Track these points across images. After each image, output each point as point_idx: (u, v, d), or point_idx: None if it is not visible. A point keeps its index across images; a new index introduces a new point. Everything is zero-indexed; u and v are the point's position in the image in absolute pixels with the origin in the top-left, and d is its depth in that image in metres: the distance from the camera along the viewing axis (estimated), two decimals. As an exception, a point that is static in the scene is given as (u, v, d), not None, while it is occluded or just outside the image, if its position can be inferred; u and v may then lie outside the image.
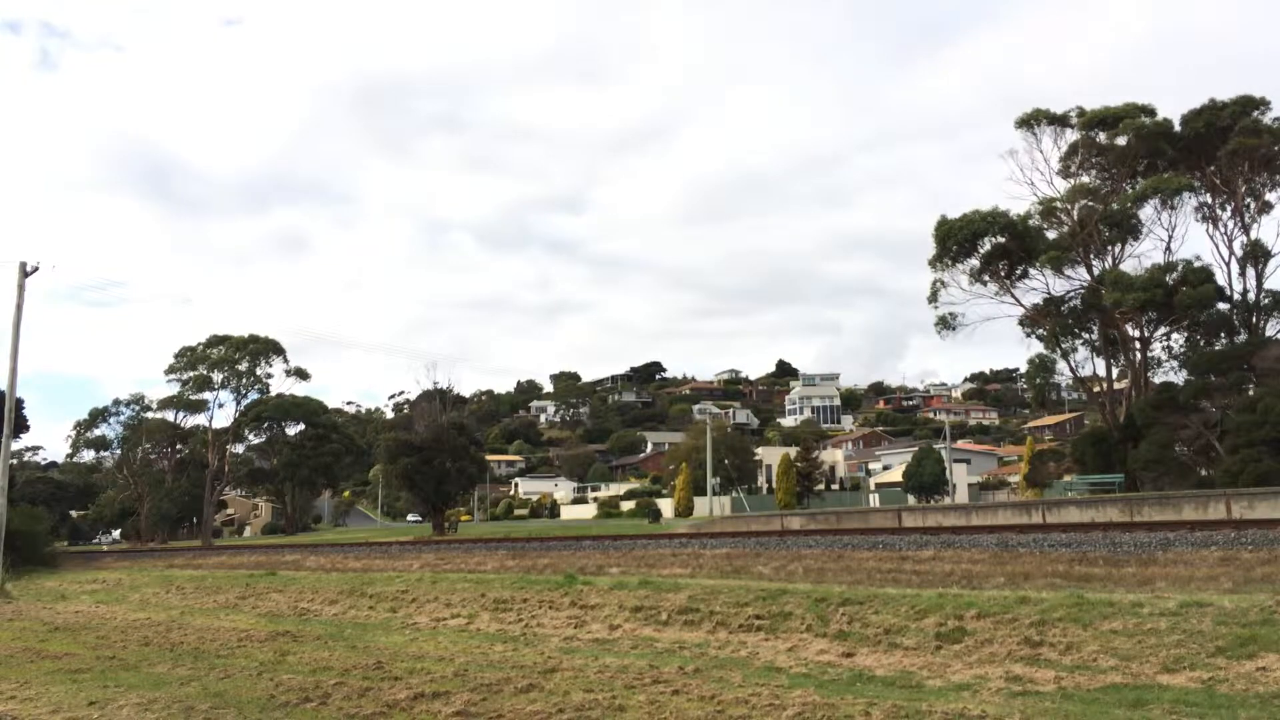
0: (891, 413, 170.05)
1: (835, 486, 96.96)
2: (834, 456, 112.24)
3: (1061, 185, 51.52)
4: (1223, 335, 47.54)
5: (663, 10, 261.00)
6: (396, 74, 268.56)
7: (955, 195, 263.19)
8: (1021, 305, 52.13)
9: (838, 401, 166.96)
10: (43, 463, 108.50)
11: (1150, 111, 49.42)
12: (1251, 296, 46.98)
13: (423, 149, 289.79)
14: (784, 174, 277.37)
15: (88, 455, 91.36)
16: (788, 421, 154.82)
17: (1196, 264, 46.31)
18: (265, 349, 78.82)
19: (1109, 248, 50.13)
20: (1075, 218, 49.69)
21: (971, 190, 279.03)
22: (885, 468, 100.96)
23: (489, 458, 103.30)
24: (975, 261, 51.25)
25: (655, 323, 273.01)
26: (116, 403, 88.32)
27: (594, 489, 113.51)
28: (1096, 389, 54.60)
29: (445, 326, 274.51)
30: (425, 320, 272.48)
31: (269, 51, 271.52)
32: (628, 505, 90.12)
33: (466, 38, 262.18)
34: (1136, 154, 49.59)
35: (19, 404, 49.42)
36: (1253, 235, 47.41)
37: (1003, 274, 51.31)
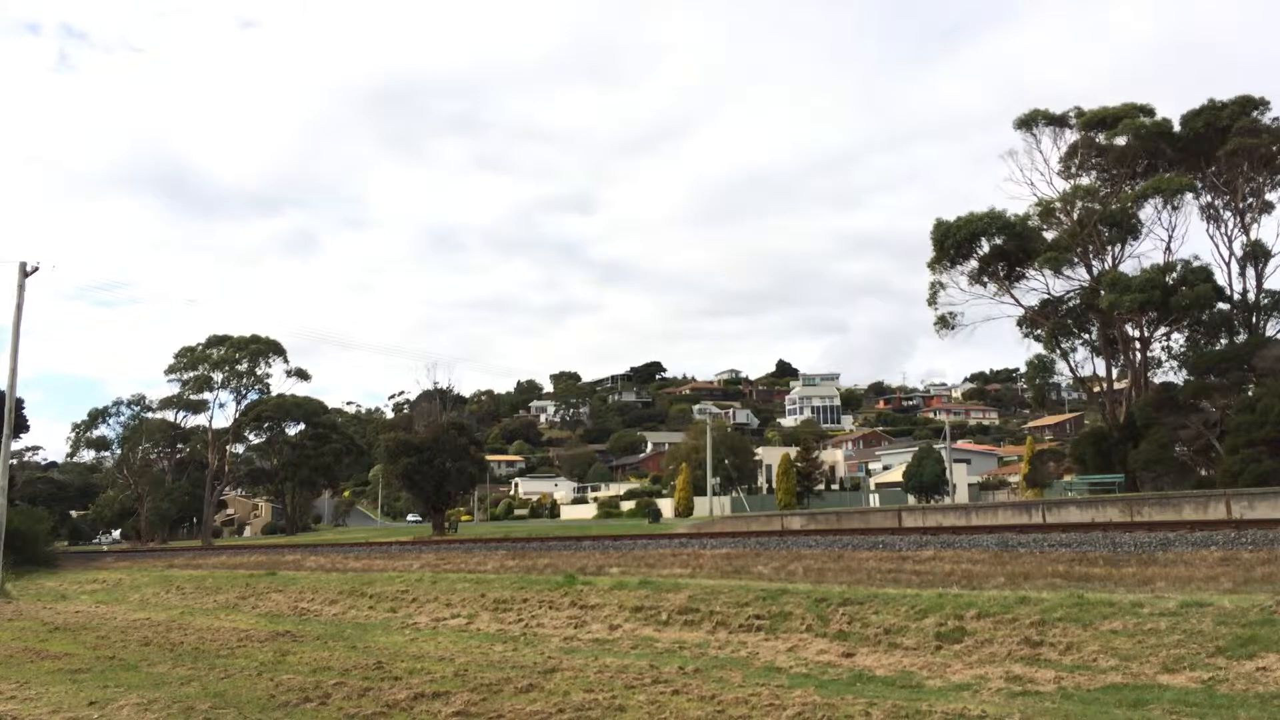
0: (891, 413, 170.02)
1: (835, 486, 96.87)
2: (834, 456, 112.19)
3: (1061, 186, 51.57)
4: (1223, 335, 47.52)
5: (677, 11, 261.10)
6: (410, 75, 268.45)
7: (967, 196, 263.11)
8: (1021, 306, 52.22)
9: (838, 401, 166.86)
10: (43, 463, 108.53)
11: (1149, 111, 49.42)
12: (1251, 296, 46.99)
13: (434, 150, 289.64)
14: (795, 175, 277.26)
15: (88, 455, 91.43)
16: (788, 421, 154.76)
17: (1195, 264, 46.31)
18: (265, 349, 78.86)
19: (1108, 248, 50.12)
20: (1075, 218, 49.68)
21: (983, 191, 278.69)
22: (885, 468, 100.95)
23: (489, 458, 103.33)
24: (974, 263, 51.29)
25: (659, 323, 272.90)
26: (117, 403, 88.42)
27: (594, 489, 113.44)
28: (1096, 389, 54.58)
29: (451, 327, 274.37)
30: (431, 320, 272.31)
31: (284, 54, 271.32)
32: (628, 505, 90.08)
33: (480, 39, 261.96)
34: (1136, 154, 49.58)
35: (19, 404, 49.45)
36: (1253, 235, 47.45)
37: (1001, 275, 51.29)
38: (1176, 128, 48.62)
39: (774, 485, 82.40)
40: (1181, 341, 49.37)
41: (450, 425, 56.00)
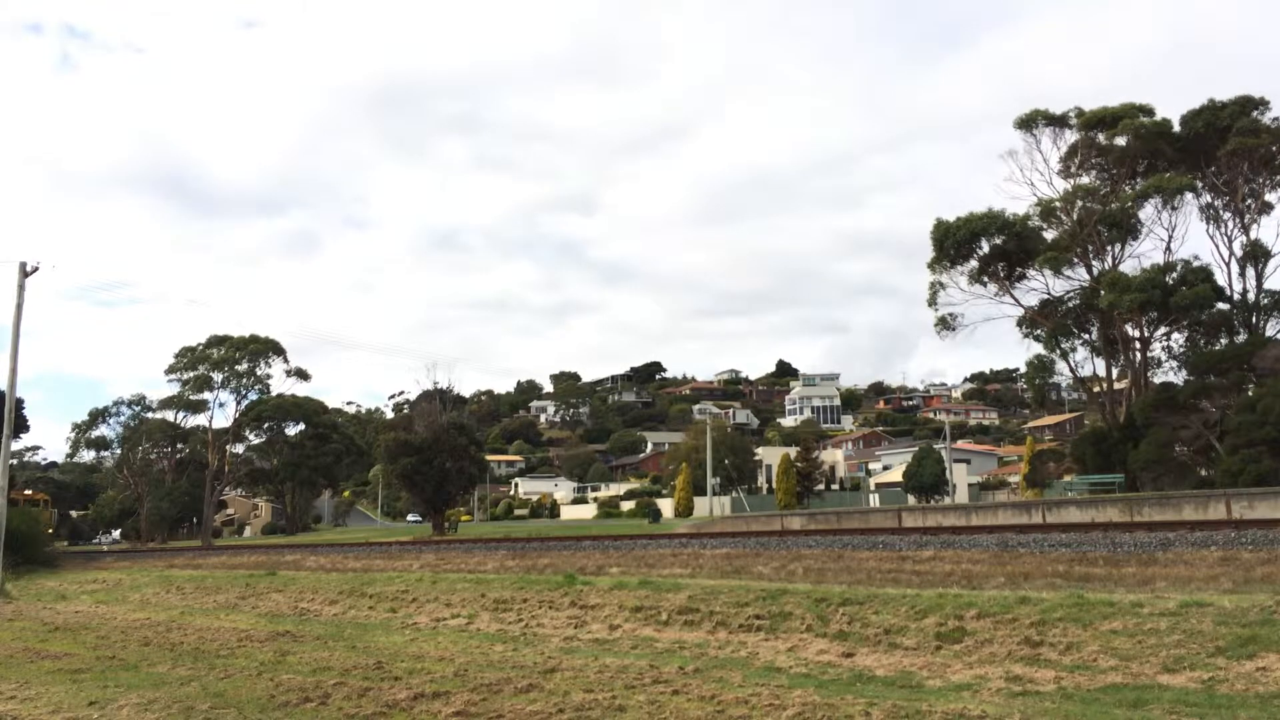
0: (891, 413, 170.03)
1: (835, 486, 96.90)
2: (834, 456, 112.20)
3: (1061, 186, 51.56)
4: (1223, 335, 47.53)
5: (677, 11, 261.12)
6: (411, 75, 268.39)
7: (967, 196, 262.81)
8: (1021, 306, 52.22)
9: (838, 401, 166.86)
10: (43, 463, 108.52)
11: (1149, 111, 49.42)
12: (1251, 296, 47.00)
13: (435, 150, 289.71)
14: (795, 175, 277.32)
15: (88, 455, 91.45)
16: (788, 421, 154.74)
17: (1195, 264, 46.34)
18: (265, 349, 78.83)
19: (1108, 248, 50.14)
20: (1075, 218, 49.68)
21: (983, 191, 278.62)
22: (885, 468, 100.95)
23: (489, 458, 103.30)
24: (974, 263, 51.30)
25: (659, 323, 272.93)
26: (117, 403, 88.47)
27: (594, 489, 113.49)
28: (1096, 389, 54.58)
29: (452, 327, 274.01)
30: (432, 321, 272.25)
31: (286, 54, 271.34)
32: (628, 505, 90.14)
33: (480, 39, 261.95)
34: (1136, 154, 49.59)
35: (19, 404, 49.44)
36: (1252, 235, 47.47)
37: (1002, 275, 51.31)
38: (1176, 128, 48.63)
39: (774, 485, 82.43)
40: (1181, 341, 49.45)
41: (450, 425, 55.98)
